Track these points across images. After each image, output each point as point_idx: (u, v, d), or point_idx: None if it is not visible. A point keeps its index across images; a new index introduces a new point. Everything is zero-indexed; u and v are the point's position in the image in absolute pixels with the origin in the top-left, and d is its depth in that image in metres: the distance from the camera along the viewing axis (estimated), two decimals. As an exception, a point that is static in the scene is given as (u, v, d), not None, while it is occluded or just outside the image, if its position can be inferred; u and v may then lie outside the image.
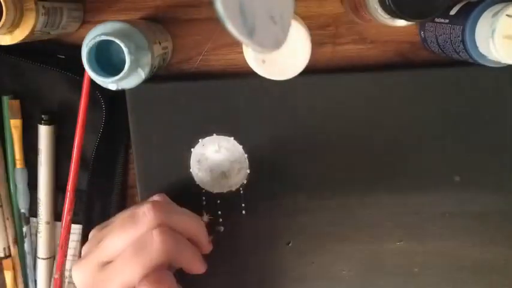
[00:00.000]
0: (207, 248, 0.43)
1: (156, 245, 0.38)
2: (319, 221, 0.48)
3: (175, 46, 0.48)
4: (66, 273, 0.50)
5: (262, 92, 0.46)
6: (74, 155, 0.46)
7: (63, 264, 0.49)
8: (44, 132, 0.48)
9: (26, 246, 0.50)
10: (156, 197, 0.43)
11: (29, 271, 0.50)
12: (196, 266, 0.42)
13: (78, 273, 0.40)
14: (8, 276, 0.50)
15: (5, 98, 0.48)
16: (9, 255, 0.50)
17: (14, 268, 0.50)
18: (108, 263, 0.39)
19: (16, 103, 0.47)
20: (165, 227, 0.39)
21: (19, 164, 0.48)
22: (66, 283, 0.50)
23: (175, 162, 0.47)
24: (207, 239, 0.43)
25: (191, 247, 0.41)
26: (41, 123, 0.47)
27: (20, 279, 0.50)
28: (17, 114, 0.48)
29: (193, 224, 0.42)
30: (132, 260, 0.38)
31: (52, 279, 0.50)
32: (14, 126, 0.48)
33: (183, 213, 0.42)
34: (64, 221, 0.48)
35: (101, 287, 0.38)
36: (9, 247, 0.50)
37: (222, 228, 0.48)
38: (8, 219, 0.49)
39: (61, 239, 0.48)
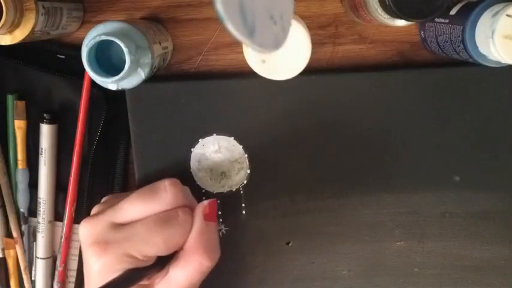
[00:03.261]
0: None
1: (181, 223, 0.39)
2: (319, 221, 0.48)
3: (175, 46, 0.48)
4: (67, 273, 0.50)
5: (262, 92, 0.46)
6: (77, 143, 0.47)
7: (67, 255, 0.49)
8: (46, 131, 0.47)
9: (24, 245, 0.50)
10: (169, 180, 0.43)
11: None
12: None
13: (88, 227, 0.40)
14: (10, 255, 0.50)
15: (10, 97, 0.47)
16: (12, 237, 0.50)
17: (17, 261, 0.50)
18: (121, 225, 0.39)
19: (22, 104, 0.47)
20: (186, 207, 0.40)
21: (21, 165, 0.48)
22: (67, 283, 0.50)
23: (175, 162, 0.47)
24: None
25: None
26: (43, 122, 0.47)
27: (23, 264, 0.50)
28: (22, 115, 0.47)
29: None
30: (157, 230, 0.39)
31: (56, 272, 0.49)
32: (18, 127, 0.47)
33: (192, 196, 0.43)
34: (67, 212, 0.48)
35: (114, 246, 0.39)
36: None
37: (222, 228, 0.48)
38: (9, 216, 0.49)
39: (65, 231, 0.48)
